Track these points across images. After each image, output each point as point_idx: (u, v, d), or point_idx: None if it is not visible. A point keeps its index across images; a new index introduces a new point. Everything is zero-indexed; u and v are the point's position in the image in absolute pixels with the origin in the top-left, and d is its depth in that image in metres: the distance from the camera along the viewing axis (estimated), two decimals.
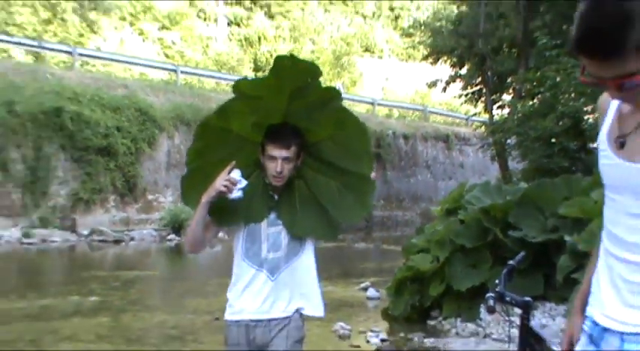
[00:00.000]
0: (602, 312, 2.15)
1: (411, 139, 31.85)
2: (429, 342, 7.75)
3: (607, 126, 2.16)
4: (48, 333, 8.07)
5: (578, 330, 2.30)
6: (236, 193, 3.17)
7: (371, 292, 10.91)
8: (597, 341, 2.16)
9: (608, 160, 2.12)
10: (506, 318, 3.84)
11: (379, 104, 35.58)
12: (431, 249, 8.72)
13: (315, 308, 3.33)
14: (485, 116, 24.76)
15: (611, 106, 2.17)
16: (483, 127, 24.06)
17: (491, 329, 7.78)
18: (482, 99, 24.24)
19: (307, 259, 3.35)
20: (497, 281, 3.75)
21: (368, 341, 7.90)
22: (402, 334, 8.18)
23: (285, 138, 3.21)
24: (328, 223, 3.37)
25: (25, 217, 18.84)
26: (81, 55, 25.87)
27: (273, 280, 3.25)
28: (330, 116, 3.24)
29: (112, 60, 27.54)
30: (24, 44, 25.13)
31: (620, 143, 2.08)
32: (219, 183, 3.15)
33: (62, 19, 25.10)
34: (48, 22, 26.19)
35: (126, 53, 30.19)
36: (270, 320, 3.25)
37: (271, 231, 3.28)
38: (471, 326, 8.06)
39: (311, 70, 3.13)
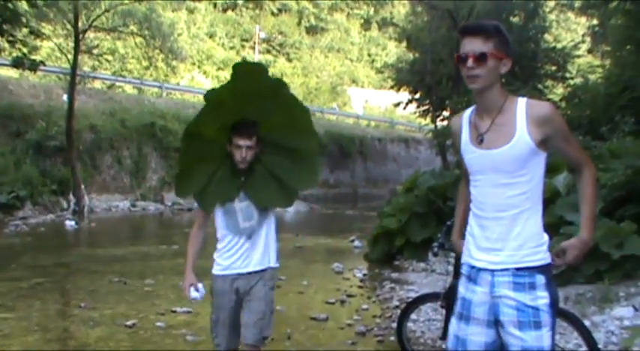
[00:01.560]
0: (476, 257, 2.05)
1: (383, 141, 31.68)
2: (394, 276, 7.69)
3: (466, 134, 2.07)
4: (147, 268, 8.12)
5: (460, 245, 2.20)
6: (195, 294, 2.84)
7: (356, 243, 10.77)
8: (475, 279, 2.06)
9: (472, 154, 2.04)
10: (445, 259, 3.78)
11: (361, 118, 35.42)
12: (396, 214, 8.57)
13: (274, 261, 2.96)
14: (432, 126, 24.67)
15: (463, 122, 2.10)
16: (431, 133, 23.94)
17: (435, 267, 7.73)
18: (430, 114, 24.14)
19: (272, 223, 2.92)
20: (439, 235, 3.71)
21: (355, 275, 7.86)
22: (376, 271, 8.12)
23: (248, 130, 2.79)
24: (286, 193, 2.91)
25: (131, 193, 18.92)
26: (167, 87, 25.86)
27: (249, 243, 2.86)
28: (280, 105, 2.78)
29: (186, 91, 27.54)
30: (132, 82, 25.12)
31: (479, 140, 2.02)
32: (186, 292, 2.86)
33: (155, 66, 25.16)
34: (147, 67, 26.36)
35: (195, 86, 30.15)
36: (249, 273, 2.87)
37: (243, 205, 2.86)
38: (422, 265, 8.01)
39: (261, 67, 2.77)
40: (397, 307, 5.85)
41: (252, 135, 2.80)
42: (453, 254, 3.78)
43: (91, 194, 17.42)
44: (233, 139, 2.81)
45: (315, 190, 26.07)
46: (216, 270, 2.95)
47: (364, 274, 7.89)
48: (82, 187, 16.32)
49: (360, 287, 7.13)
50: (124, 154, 19.13)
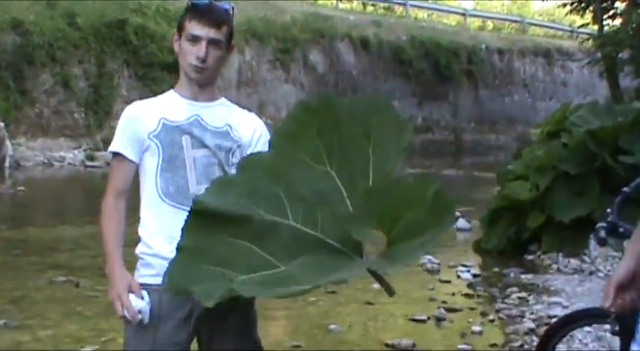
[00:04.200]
0: None
1: (507, 55, 31.30)
2: (526, 278, 7.72)
3: None
4: None
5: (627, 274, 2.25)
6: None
7: (461, 223, 10.84)
8: None
9: None
10: (618, 253, 3.78)
11: (471, 15, 34.96)
12: (529, 176, 8.65)
13: None
14: (593, 27, 23.96)
15: None
16: (591, 40, 23.32)
17: (598, 265, 7.68)
18: (591, 8, 23.40)
19: None
20: (608, 210, 3.65)
21: (459, 276, 7.94)
22: (495, 269, 8.19)
23: (216, 13, 2.79)
24: None
25: (88, 138, 19.30)
26: None
27: None
28: None
29: None
30: None
31: None
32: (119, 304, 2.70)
33: None
34: None
35: None
36: None
37: (198, 155, 2.83)
38: (574, 262, 7.99)
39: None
40: (532, 331, 5.88)
41: (222, 24, 2.81)
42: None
43: (18, 138, 17.89)
44: (185, 27, 2.81)
45: None
46: (142, 253, 2.87)
47: (475, 275, 8.00)
48: (1, 125, 16.74)
49: (468, 297, 7.24)
50: (73, 71, 19.47)
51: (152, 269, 2.79)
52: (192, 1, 2.81)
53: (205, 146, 2.81)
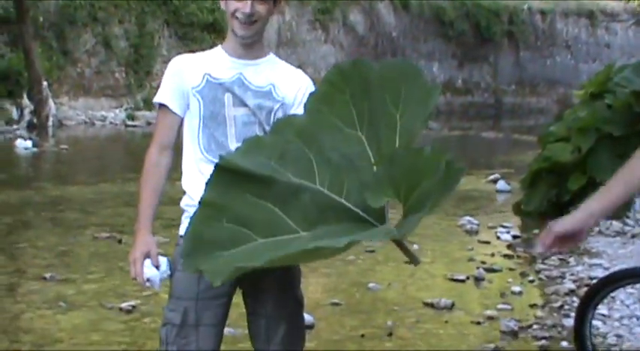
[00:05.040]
0: None
1: (549, 15, 30.85)
2: None
3: None
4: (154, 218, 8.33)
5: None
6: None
7: (501, 184, 10.90)
8: None
9: None
10: None
11: None
12: (572, 138, 8.49)
13: None
14: None
15: None
16: (638, 1, 22.89)
17: None
18: None
19: None
20: None
21: (498, 238, 7.94)
22: (536, 231, 8.10)
23: None
24: None
25: (129, 97, 19.42)
26: None
27: None
28: None
29: None
30: None
31: None
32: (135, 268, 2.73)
33: None
34: None
35: None
36: None
37: (238, 113, 2.82)
38: (616, 224, 7.95)
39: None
40: (572, 292, 5.89)
41: None
42: None
43: (60, 98, 18.07)
44: None
45: None
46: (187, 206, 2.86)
47: (515, 237, 8.02)
48: (45, 84, 16.86)
49: (507, 257, 7.26)
50: (114, 31, 19.54)
51: None
52: None
53: (246, 105, 2.79)
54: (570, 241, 2.28)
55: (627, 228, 7.81)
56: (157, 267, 2.74)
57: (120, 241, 7.26)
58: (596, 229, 7.97)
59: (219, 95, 2.79)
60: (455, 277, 6.33)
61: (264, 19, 2.79)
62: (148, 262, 2.73)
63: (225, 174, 2.40)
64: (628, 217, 7.90)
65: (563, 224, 2.28)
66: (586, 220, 2.30)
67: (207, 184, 2.40)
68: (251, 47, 2.82)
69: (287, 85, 2.83)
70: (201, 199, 2.41)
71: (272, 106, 2.80)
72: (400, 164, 2.32)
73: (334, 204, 2.40)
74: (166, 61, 15.52)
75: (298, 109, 2.76)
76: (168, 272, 2.77)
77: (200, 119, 2.81)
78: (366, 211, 2.37)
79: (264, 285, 2.83)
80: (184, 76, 2.84)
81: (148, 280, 2.73)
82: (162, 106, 2.85)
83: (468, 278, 6.33)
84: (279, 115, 2.79)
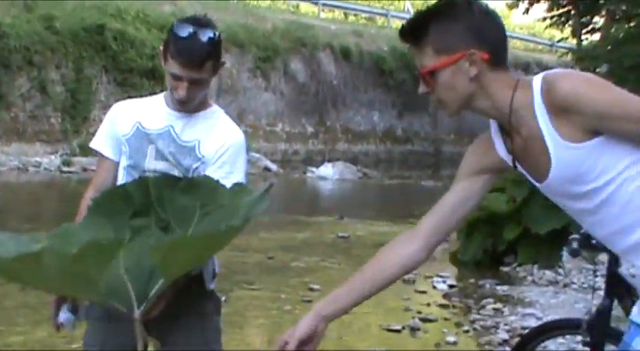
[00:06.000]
0: None
1: None
2: (501, 290, 7.77)
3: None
4: None
5: None
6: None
7: None
8: None
9: None
10: (592, 265, 3.82)
11: None
12: (506, 188, 8.58)
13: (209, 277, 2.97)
14: (572, 42, 24.17)
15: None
16: (570, 55, 23.42)
17: (572, 278, 7.74)
18: (570, 22, 23.62)
19: None
20: None
21: (434, 287, 7.95)
22: (471, 281, 8.22)
23: (197, 52, 2.66)
24: None
25: (64, 143, 19.20)
26: None
27: None
28: None
29: None
30: None
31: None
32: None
33: None
34: None
35: None
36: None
37: (158, 167, 2.80)
38: (549, 274, 8.09)
39: None
40: (506, 341, 5.94)
41: (205, 62, 2.69)
42: (604, 257, 3.77)
43: None
44: (168, 59, 2.72)
45: (371, 146, 26.17)
46: None
47: (451, 286, 8.06)
48: None
49: (443, 307, 7.27)
50: (51, 76, 19.36)
51: None
52: (175, 27, 2.71)
53: (167, 160, 2.79)
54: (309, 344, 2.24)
55: (559, 277, 7.91)
56: (74, 311, 2.81)
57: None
58: (530, 278, 8.08)
59: (144, 146, 2.80)
60: (391, 327, 6.31)
61: (201, 95, 2.78)
62: (64, 306, 2.81)
63: None
64: (560, 267, 8.01)
65: (300, 329, 2.25)
66: (317, 325, 2.27)
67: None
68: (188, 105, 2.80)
69: (212, 142, 2.79)
70: None
71: (191, 164, 2.77)
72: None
73: None
74: (105, 107, 15.42)
75: (215, 169, 2.71)
76: (76, 317, 2.86)
77: (124, 168, 2.83)
78: None
79: (176, 338, 2.80)
80: (118, 123, 2.88)
81: (61, 324, 2.82)
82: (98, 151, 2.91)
83: (403, 328, 6.32)
84: (202, 172, 2.73)
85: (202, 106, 2.87)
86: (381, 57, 27.36)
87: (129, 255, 1.97)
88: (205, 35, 2.67)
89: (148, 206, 2.16)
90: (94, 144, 2.93)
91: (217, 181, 2.24)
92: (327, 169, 20.11)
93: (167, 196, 2.17)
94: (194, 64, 2.66)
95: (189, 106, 2.79)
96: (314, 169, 20.47)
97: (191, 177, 2.61)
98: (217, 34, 2.73)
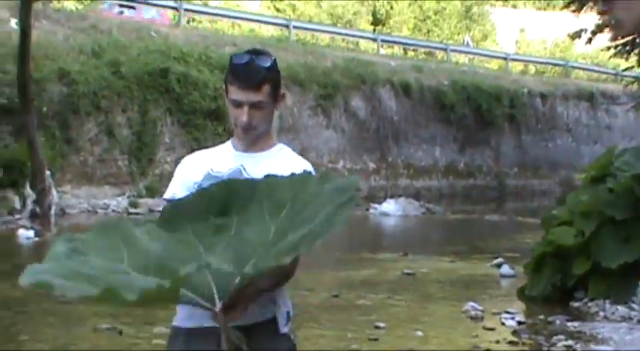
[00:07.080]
0: None
1: (550, 99, 31.11)
2: (572, 326, 7.64)
3: None
4: (158, 309, 8.29)
5: None
6: None
7: (505, 269, 10.82)
8: None
9: None
10: None
11: (513, 59, 35.04)
12: (575, 221, 8.60)
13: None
14: (638, 70, 23.82)
15: None
16: (636, 83, 23.19)
17: None
18: (636, 51, 23.31)
19: None
20: None
21: (503, 324, 7.87)
22: (541, 317, 8.08)
23: (254, 74, 2.76)
24: None
25: (131, 185, 19.47)
26: (187, 9, 26.16)
27: None
28: None
29: (219, 15, 28.04)
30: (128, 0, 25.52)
31: None
32: None
33: None
34: None
35: (234, 8, 30.65)
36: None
37: None
38: (622, 309, 7.91)
39: None
40: None
41: (263, 83, 2.77)
42: None
43: (63, 186, 18.08)
44: (229, 88, 2.82)
45: (433, 181, 26.03)
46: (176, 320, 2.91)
47: (520, 323, 7.95)
48: (48, 173, 16.89)
49: (513, 344, 7.20)
50: (117, 120, 19.73)
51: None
52: (233, 57, 2.82)
53: None
54: None
55: (633, 312, 7.76)
56: None
57: (120, 333, 7.18)
58: (602, 313, 7.95)
59: None
60: None
61: (264, 122, 2.84)
62: None
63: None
64: (633, 302, 7.86)
65: None
66: None
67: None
68: (254, 143, 2.88)
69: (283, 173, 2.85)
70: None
71: None
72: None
73: None
74: (169, 149, 15.72)
75: None
76: None
77: None
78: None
79: None
80: (189, 172, 2.94)
81: None
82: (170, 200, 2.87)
83: None
84: None
85: (267, 142, 2.93)
86: (441, 91, 27.30)
87: (211, 250, 2.06)
88: (262, 61, 2.78)
89: (229, 207, 2.17)
90: (166, 195, 2.95)
91: (309, 172, 2.29)
92: (389, 206, 20.04)
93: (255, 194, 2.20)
94: (252, 84, 2.75)
95: (253, 133, 2.84)
96: (376, 205, 20.40)
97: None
98: (274, 60, 2.82)
